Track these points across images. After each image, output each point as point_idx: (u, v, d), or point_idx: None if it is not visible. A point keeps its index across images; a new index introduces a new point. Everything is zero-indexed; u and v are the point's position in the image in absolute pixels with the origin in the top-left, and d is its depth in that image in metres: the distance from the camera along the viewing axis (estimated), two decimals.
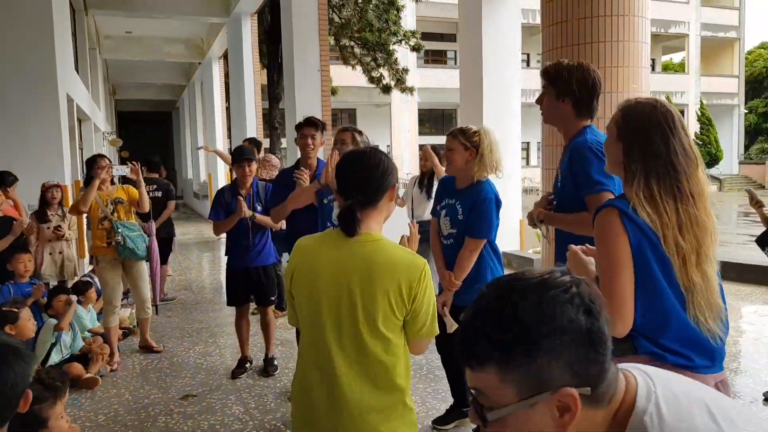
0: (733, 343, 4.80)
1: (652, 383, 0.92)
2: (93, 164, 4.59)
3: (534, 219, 2.47)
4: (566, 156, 2.35)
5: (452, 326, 2.94)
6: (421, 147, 5.47)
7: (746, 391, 3.81)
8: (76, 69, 9.50)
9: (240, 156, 4.33)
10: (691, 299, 1.54)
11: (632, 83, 5.85)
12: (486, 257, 3.05)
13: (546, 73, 2.35)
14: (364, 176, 1.71)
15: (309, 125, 3.67)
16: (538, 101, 2.44)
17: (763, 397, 3.69)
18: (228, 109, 16.05)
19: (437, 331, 1.74)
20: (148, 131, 29.55)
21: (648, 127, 1.60)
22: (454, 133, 3.05)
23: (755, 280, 6.69)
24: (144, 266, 4.84)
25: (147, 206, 4.79)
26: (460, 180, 3.09)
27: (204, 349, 4.99)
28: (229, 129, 16.77)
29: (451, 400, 3.70)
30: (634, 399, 0.89)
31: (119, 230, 4.54)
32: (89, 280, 5.52)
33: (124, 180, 5.62)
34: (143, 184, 4.78)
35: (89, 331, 4.91)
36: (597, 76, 2.28)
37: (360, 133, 3.55)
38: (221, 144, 17.05)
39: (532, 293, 0.84)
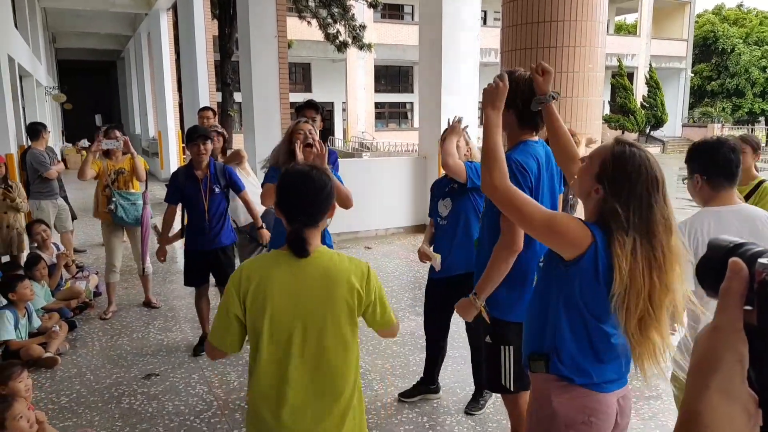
0: None
1: None
2: (106, 135, 5.05)
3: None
4: None
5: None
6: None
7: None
8: (15, 24, 8.96)
9: (193, 134, 4.22)
10: (637, 351, 1.60)
11: (588, 63, 6.00)
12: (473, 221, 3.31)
13: (499, 80, 2.42)
14: (310, 201, 1.78)
15: (310, 107, 3.92)
16: None
17: None
18: (178, 60, 15.48)
19: (395, 321, 1.89)
20: (92, 82, 28.24)
21: (636, 186, 1.61)
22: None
23: None
24: (146, 230, 5.22)
25: (143, 175, 5.15)
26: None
27: (163, 324, 5.02)
28: (178, 81, 16.20)
29: (410, 377, 3.92)
30: None
31: (114, 199, 5.00)
32: (38, 253, 5.42)
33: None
34: (136, 154, 5.12)
35: (43, 308, 4.86)
36: None
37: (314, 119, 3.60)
38: (170, 97, 16.50)
39: None
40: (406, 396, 3.67)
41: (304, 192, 1.78)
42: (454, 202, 3.31)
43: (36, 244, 5.66)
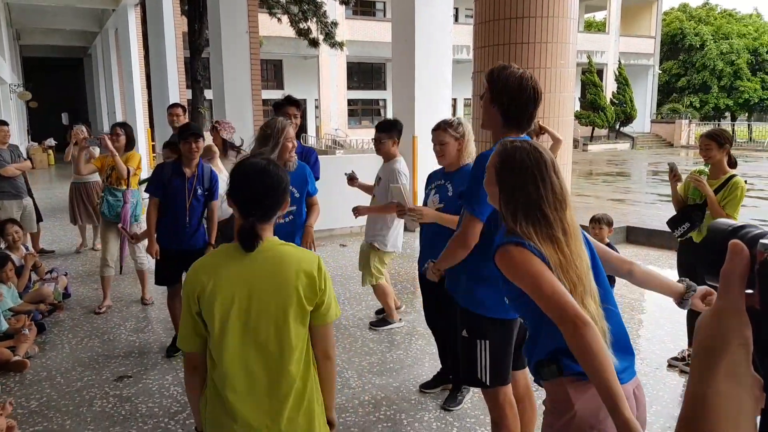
0: (639, 310, 5.25)
1: None
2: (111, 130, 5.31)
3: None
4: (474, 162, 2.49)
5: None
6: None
7: (652, 358, 4.21)
8: None
9: (186, 132, 4.13)
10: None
11: (560, 59, 6.06)
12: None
13: (489, 75, 2.38)
14: (266, 195, 1.76)
15: (291, 104, 3.96)
16: (481, 97, 2.50)
17: (667, 364, 4.09)
18: (146, 57, 15.22)
19: (340, 314, 1.87)
20: (58, 78, 27.56)
21: (523, 178, 1.72)
22: (443, 128, 3.18)
23: (662, 244, 7.27)
24: (126, 228, 5.20)
25: (122, 173, 5.15)
26: (449, 167, 3.28)
27: (135, 325, 4.93)
28: (147, 78, 15.92)
29: (387, 374, 3.92)
30: None
31: (102, 193, 5.23)
32: (7, 254, 5.27)
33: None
34: (116, 153, 5.11)
35: (11, 309, 4.73)
36: (533, 92, 2.27)
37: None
38: (139, 94, 16.21)
39: None
40: (427, 387, 3.72)
41: (261, 186, 1.76)
42: (445, 205, 3.22)
43: (6, 245, 5.50)
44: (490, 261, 1.83)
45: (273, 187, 1.77)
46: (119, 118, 19.38)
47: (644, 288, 2.04)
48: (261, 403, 1.76)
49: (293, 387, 1.77)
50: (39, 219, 7.00)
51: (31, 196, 6.72)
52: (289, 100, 4.14)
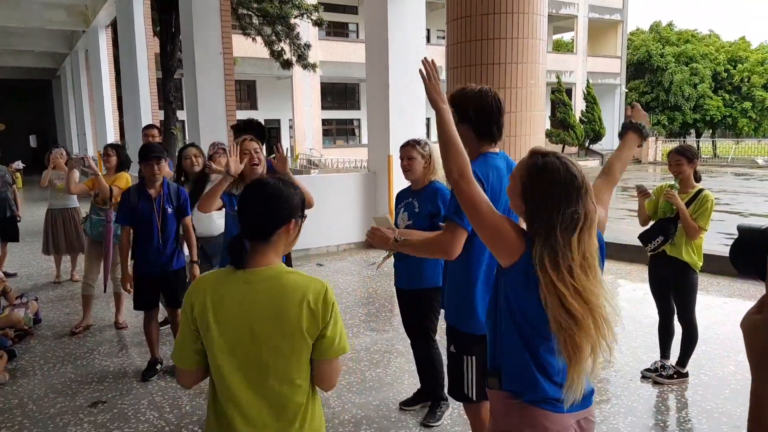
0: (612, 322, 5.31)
1: None
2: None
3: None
4: None
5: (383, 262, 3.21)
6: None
7: (626, 370, 4.28)
8: None
9: (147, 154, 4.11)
10: (571, 365, 1.60)
11: (530, 78, 6.21)
12: None
13: (451, 99, 2.42)
14: (257, 212, 1.70)
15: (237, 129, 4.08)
16: None
17: (641, 375, 4.17)
18: (118, 78, 15.11)
19: (348, 349, 1.76)
20: (26, 100, 27.13)
21: (551, 194, 1.62)
22: (412, 144, 3.37)
23: (633, 258, 7.40)
24: (108, 247, 5.18)
25: (105, 192, 5.08)
26: (415, 183, 3.43)
27: (109, 350, 4.84)
28: (119, 99, 15.77)
29: (367, 393, 3.90)
30: None
31: (89, 212, 5.34)
32: None
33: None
34: (98, 172, 5.09)
35: None
36: (496, 103, 2.35)
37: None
38: (110, 116, 16.06)
39: None
40: (407, 405, 3.72)
41: (250, 201, 1.70)
42: (413, 221, 3.30)
43: None
44: (476, 278, 1.83)
45: (260, 202, 1.68)
46: (89, 140, 19.14)
47: (618, 167, 2.15)
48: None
49: (296, 418, 1.70)
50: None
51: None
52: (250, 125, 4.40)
